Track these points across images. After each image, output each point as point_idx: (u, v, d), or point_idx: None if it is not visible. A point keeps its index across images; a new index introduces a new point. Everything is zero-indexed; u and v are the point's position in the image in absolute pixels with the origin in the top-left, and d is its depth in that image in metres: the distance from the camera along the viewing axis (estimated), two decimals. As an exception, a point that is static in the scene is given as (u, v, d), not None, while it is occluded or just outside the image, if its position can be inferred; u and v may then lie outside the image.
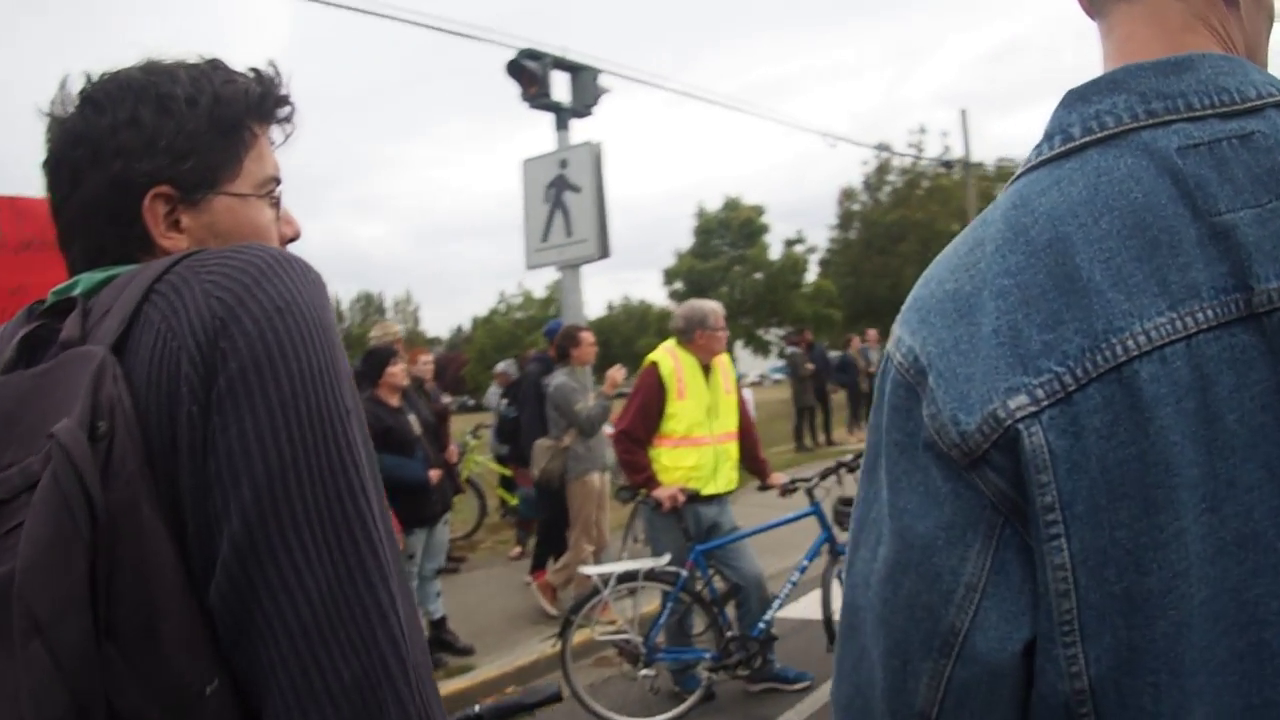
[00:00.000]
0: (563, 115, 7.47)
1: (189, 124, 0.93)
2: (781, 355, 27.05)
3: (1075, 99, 0.80)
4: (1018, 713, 0.74)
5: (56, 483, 0.68)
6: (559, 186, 6.70)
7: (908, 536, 0.75)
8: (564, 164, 6.78)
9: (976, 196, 23.59)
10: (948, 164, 25.96)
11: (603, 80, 7.61)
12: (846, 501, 5.11)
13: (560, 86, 7.46)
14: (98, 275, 0.89)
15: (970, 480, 0.73)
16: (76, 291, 0.88)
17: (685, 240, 37.90)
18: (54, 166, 0.94)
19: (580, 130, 7.65)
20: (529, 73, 7.25)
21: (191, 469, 0.75)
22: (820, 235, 36.84)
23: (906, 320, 0.79)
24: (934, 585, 0.74)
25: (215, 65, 0.98)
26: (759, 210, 34.71)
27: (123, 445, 0.72)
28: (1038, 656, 0.72)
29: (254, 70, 1.00)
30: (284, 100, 1.02)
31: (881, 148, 27.89)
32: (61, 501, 0.68)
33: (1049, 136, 0.80)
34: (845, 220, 32.15)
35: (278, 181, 1.02)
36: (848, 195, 31.78)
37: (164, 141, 0.92)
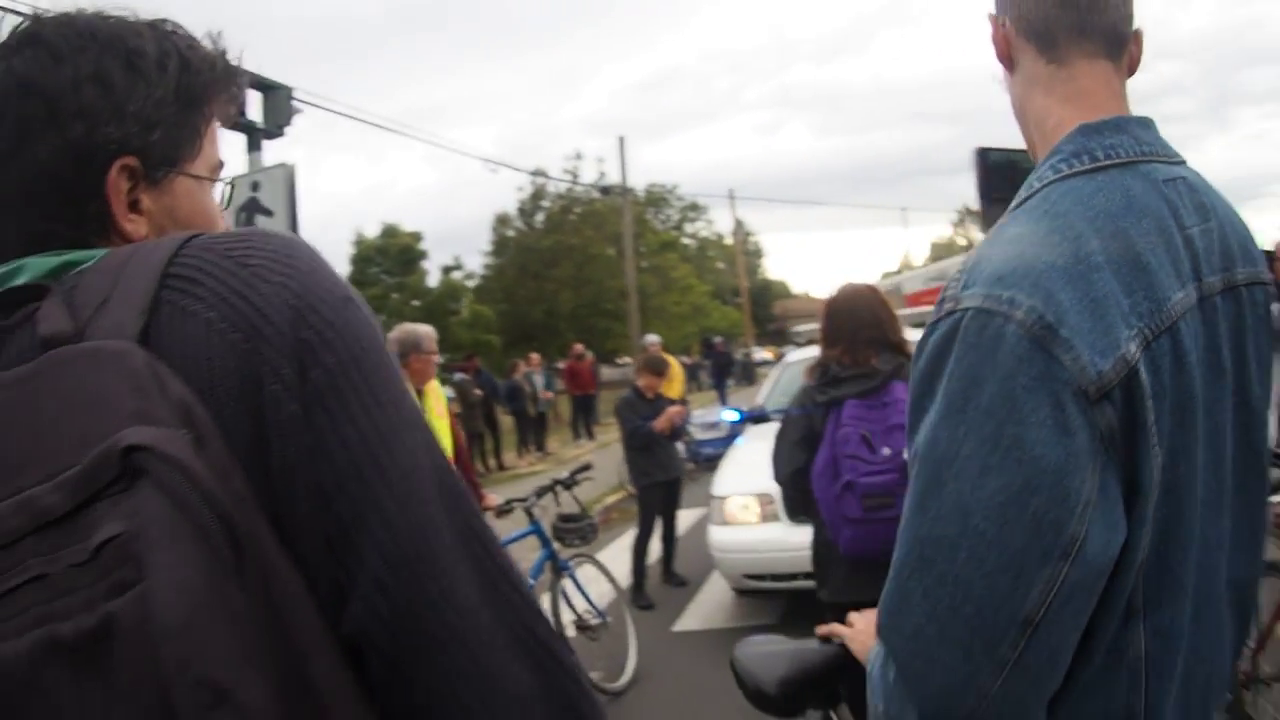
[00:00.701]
0: (255, 136, 7.02)
1: (158, 89, 0.80)
2: (446, 383, 26.81)
3: (1091, 131, 1.05)
4: (1092, 607, 0.94)
5: (181, 509, 0.55)
6: (250, 210, 6.26)
7: (1039, 463, 0.89)
8: (255, 186, 6.35)
9: (632, 221, 24.75)
10: (605, 189, 27.03)
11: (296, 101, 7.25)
12: (566, 518, 5.20)
13: (253, 106, 7.00)
14: (51, 260, 0.73)
15: (1092, 414, 0.91)
16: (21, 279, 0.72)
17: (342, 268, 36.60)
18: None
19: (272, 151, 7.22)
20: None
21: (296, 476, 0.64)
22: (477, 261, 37.22)
23: (1017, 286, 0.94)
24: (1063, 502, 0.89)
25: (176, 26, 0.85)
26: (416, 237, 34.30)
27: (219, 456, 0.60)
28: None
29: (210, 39, 0.87)
30: (242, 78, 0.91)
31: (538, 174, 28.56)
32: (197, 532, 0.55)
33: (1076, 155, 1.04)
34: (500, 246, 32.55)
35: (223, 167, 0.92)
36: (502, 221, 32.19)
37: (134, 106, 0.78)
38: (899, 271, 43.54)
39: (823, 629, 1.51)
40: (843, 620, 1.41)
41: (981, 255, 1.00)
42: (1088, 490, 0.90)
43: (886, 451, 3.33)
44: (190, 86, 0.83)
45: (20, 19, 0.80)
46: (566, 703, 0.68)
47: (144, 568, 0.53)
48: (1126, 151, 1.04)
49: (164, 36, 0.82)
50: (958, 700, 0.91)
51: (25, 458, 0.59)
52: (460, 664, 0.64)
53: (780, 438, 3.68)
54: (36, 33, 0.78)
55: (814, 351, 7.84)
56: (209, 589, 0.54)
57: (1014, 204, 1.07)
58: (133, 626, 0.52)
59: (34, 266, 0.73)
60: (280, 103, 7.22)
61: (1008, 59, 1.15)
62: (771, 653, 1.52)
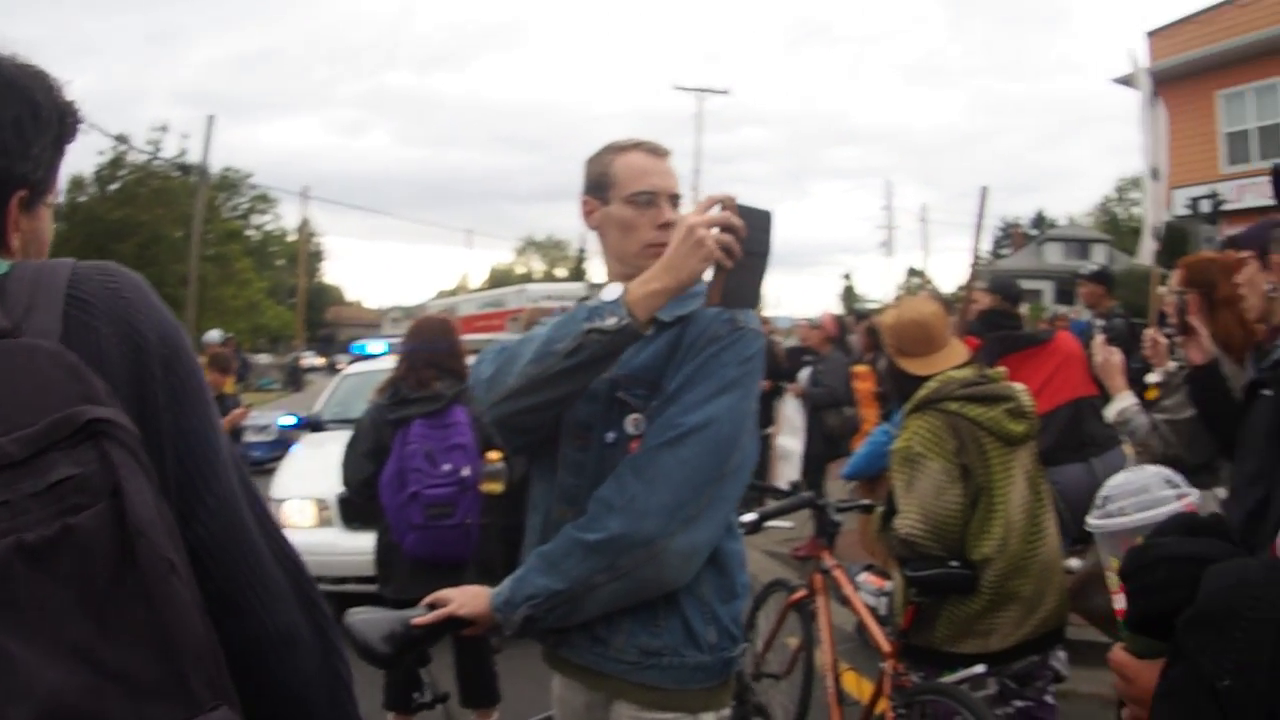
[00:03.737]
0: None
1: (48, 134, 1.05)
2: None
3: None
4: None
5: (135, 458, 0.86)
6: None
7: None
8: None
9: (204, 206, 23.17)
10: (185, 168, 25.02)
11: None
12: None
13: None
14: None
15: None
16: None
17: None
18: None
19: None
20: None
21: (164, 443, 0.96)
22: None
23: None
24: None
25: (55, 81, 1.08)
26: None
27: (130, 430, 0.89)
28: None
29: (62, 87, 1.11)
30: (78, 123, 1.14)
31: (120, 139, 25.85)
32: (144, 471, 0.86)
33: None
34: (70, 211, 28.77)
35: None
36: (76, 185, 28.49)
37: (35, 149, 1.03)
38: (454, 292, 44.29)
39: (430, 598, 1.93)
40: None
41: None
42: None
43: (447, 467, 3.85)
44: (62, 134, 1.09)
45: None
46: (309, 600, 1.09)
47: (119, 493, 0.83)
48: None
49: (50, 89, 1.07)
50: None
51: None
52: (249, 564, 1.02)
53: (351, 447, 4.06)
54: None
55: (372, 366, 8.19)
56: (155, 504, 0.86)
57: None
58: (94, 529, 0.81)
59: None
60: None
61: None
62: (378, 618, 1.91)
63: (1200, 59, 21.76)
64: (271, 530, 1.08)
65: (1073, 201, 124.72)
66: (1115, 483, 1.38)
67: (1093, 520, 1.37)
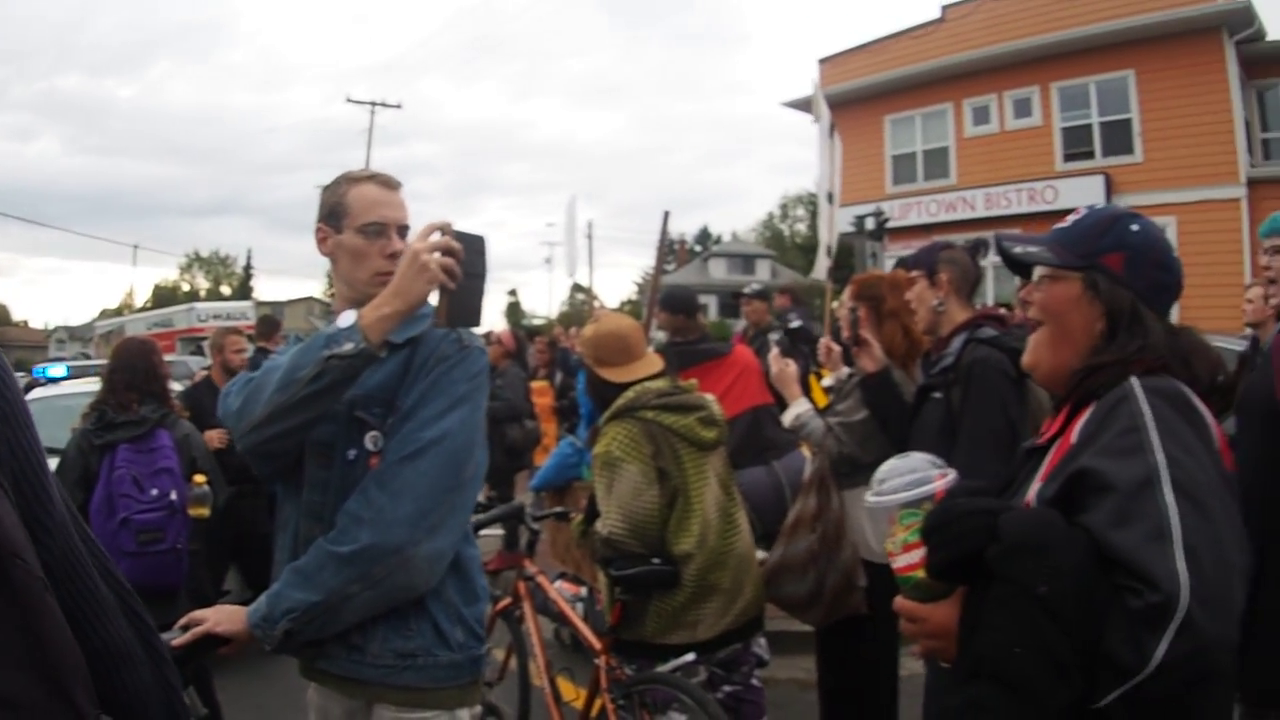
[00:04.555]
0: None
1: None
2: None
3: None
4: None
5: None
6: None
7: None
8: None
9: None
10: None
11: None
12: None
13: None
14: None
15: None
16: None
17: None
18: None
19: None
20: None
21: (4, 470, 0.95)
22: None
23: None
24: None
25: None
26: None
27: None
28: None
29: None
30: None
31: None
32: (3, 490, 0.90)
33: None
34: None
35: None
36: None
37: None
38: (119, 311, 41.34)
39: (184, 619, 1.93)
40: None
41: None
42: None
43: (154, 492, 3.76)
44: None
45: None
46: (135, 614, 1.09)
47: None
48: None
49: None
50: None
51: None
52: (84, 581, 1.01)
53: (60, 475, 3.76)
54: None
55: (56, 390, 7.48)
56: (21, 527, 0.88)
57: None
58: None
59: None
60: None
61: None
62: None
63: (870, 86, 23.76)
64: (93, 546, 1.07)
65: (738, 218, 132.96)
66: (888, 467, 1.62)
67: (870, 499, 1.60)
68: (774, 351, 3.77)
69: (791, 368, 3.54)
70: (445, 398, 1.98)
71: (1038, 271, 1.61)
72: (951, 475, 1.56)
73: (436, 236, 1.89)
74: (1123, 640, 1.16)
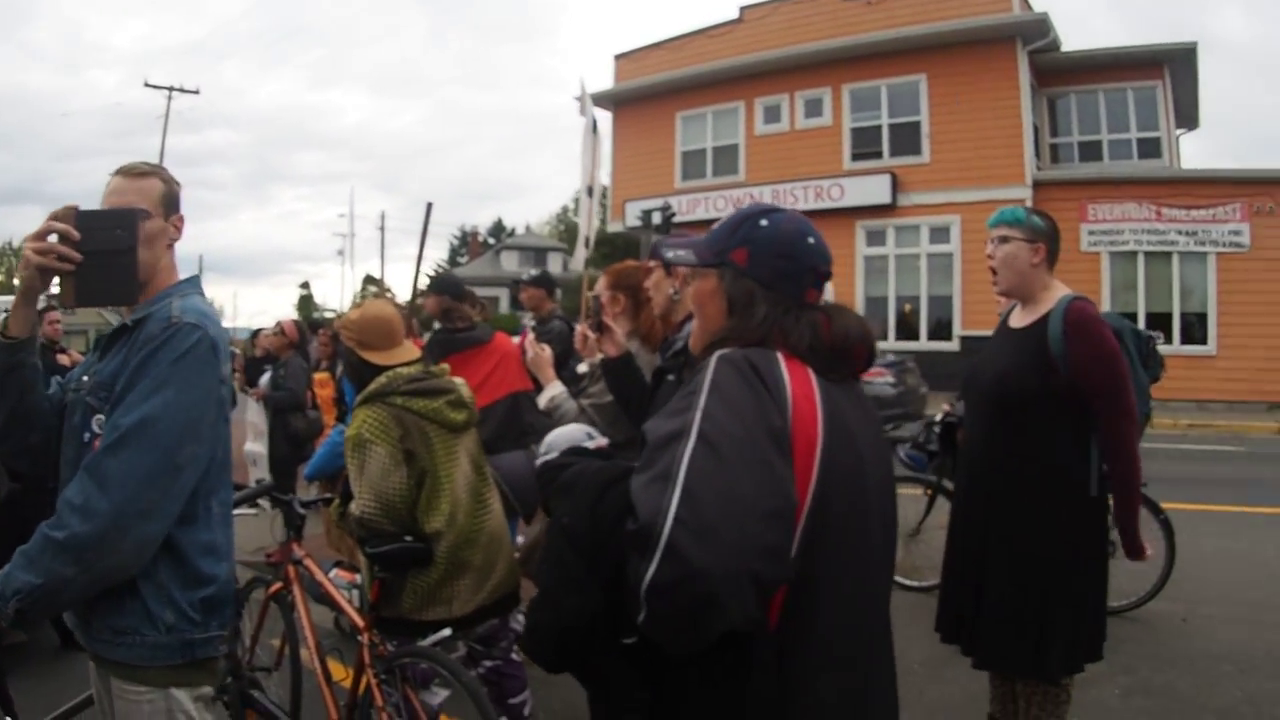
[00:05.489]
0: None
1: None
2: None
3: None
4: None
5: None
6: None
7: None
8: None
9: None
10: None
11: None
12: None
13: None
14: None
15: None
16: None
17: None
18: None
19: None
20: None
21: None
22: None
23: None
24: None
25: None
26: None
27: None
28: None
29: None
30: None
31: None
32: None
33: None
34: None
35: None
36: None
37: None
38: None
39: None
40: None
41: None
42: None
43: None
44: None
45: None
46: None
47: None
48: None
49: None
50: None
51: None
52: None
53: None
54: None
55: None
56: None
57: None
58: None
59: None
60: None
61: None
62: None
63: (665, 82, 24.22)
64: None
65: (533, 211, 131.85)
66: (551, 436, 1.85)
67: (538, 464, 1.82)
68: (530, 336, 3.89)
69: (546, 352, 3.68)
70: (148, 381, 2.01)
71: (686, 270, 1.80)
72: (602, 441, 1.83)
73: (46, 223, 1.99)
74: (631, 566, 1.31)
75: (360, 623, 3.40)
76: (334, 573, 4.50)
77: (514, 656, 3.59)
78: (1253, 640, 5.27)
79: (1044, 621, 3.04)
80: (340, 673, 3.81)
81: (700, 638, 1.31)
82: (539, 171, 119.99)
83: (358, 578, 4.50)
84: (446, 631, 3.19)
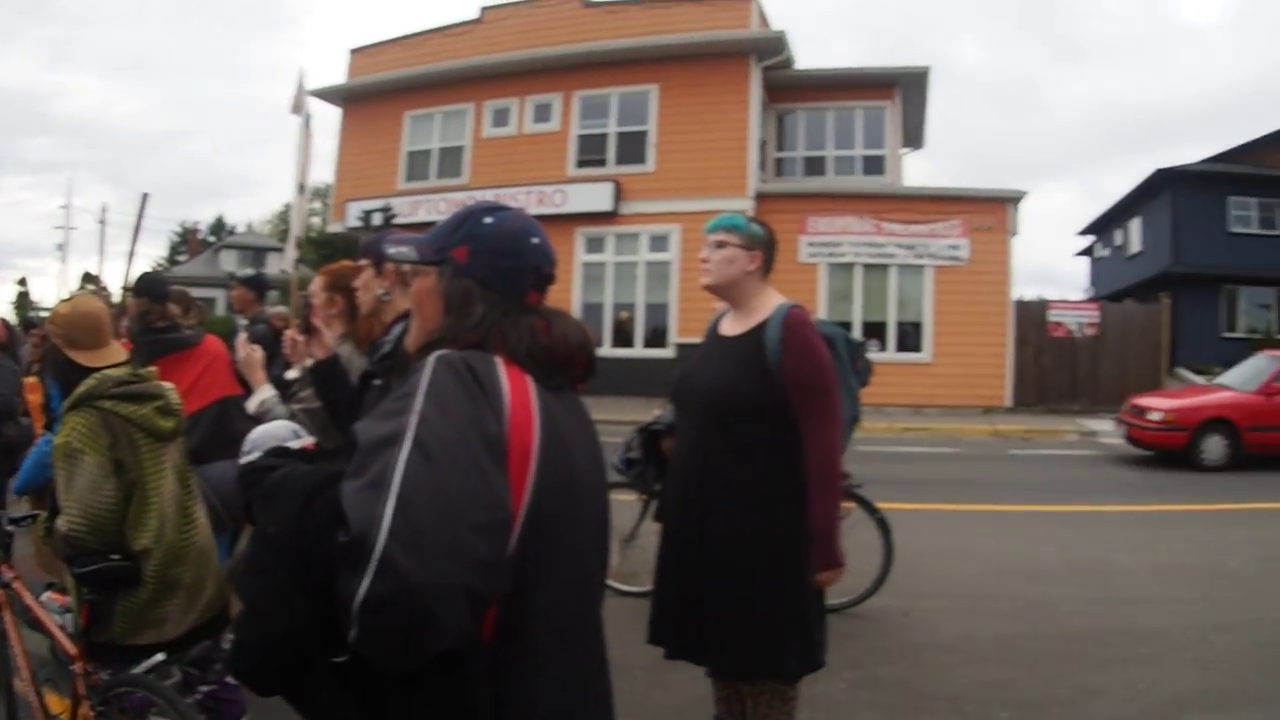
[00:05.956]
0: None
1: None
2: None
3: None
4: None
5: None
6: None
7: None
8: None
9: None
10: None
11: None
12: None
13: None
14: None
15: None
16: None
17: None
18: None
19: None
20: None
21: None
22: None
23: None
24: None
25: None
26: None
27: None
28: None
29: None
30: None
31: None
32: None
33: None
34: None
35: None
36: None
37: None
38: None
39: None
40: None
41: None
42: None
43: None
44: None
45: None
46: None
47: None
48: None
49: None
50: None
51: None
52: None
53: None
54: None
55: None
56: None
57: None
58: None
59: None
60: None
61: None
62: None
63: (397, 80, 23.62)
64: None
65: (256, 208, 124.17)
66: (254, 434, 1.77)
67: (240, 463, 1.72)
68: (241, 337, 3.74)
69: (258, 353, 3.54)
70: None
71: (407, 269, 1.74)
72: (309, 441, 1.75)
73: None
74: (343, 581, 1.24)
75: (71, 650, 3.15)
76: (46, 595, 4.14)
77: (229, 680, 3.43)
78: (978, 630, 5.50)
79: (774, 626, 3.02)
80: (58, 705, 3.54)
81: (415, 656, 1.26)
82: (265, 167, 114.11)
83: (69, 600, 4.16)
84: (160, 657, 3.01)
